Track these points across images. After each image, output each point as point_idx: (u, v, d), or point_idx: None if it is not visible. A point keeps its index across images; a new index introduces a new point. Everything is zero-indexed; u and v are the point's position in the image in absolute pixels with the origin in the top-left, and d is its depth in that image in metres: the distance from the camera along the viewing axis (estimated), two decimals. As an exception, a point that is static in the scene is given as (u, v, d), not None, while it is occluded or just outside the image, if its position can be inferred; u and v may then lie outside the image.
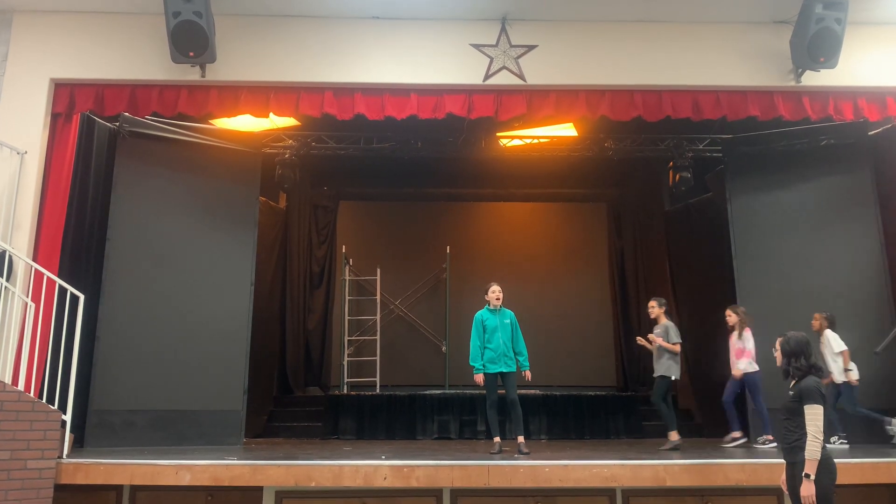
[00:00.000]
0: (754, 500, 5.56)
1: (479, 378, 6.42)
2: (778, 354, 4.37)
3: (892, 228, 7.53)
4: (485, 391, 6.52)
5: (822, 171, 7.83)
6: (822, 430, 4.01)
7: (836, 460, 4.12)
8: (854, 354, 7.02)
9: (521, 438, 6.38)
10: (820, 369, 4.23)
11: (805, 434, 4.02)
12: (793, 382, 4.25)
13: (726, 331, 7.46)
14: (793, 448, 4.12)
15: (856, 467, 5.35)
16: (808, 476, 3.97)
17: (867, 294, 7.39)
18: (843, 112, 7.25)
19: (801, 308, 7.30)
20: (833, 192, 7.75)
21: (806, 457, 3.99)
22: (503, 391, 6.47)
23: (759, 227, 7.74)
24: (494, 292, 6.53)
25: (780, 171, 7.90)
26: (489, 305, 6.56)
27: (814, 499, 3.94)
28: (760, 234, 7.73)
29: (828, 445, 7.09)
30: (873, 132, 7.81)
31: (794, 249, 7.62)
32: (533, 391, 9.18)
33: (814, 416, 4.02)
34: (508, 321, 6.53)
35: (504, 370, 6.39)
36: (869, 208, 7.61)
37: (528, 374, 6.55)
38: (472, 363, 6.46)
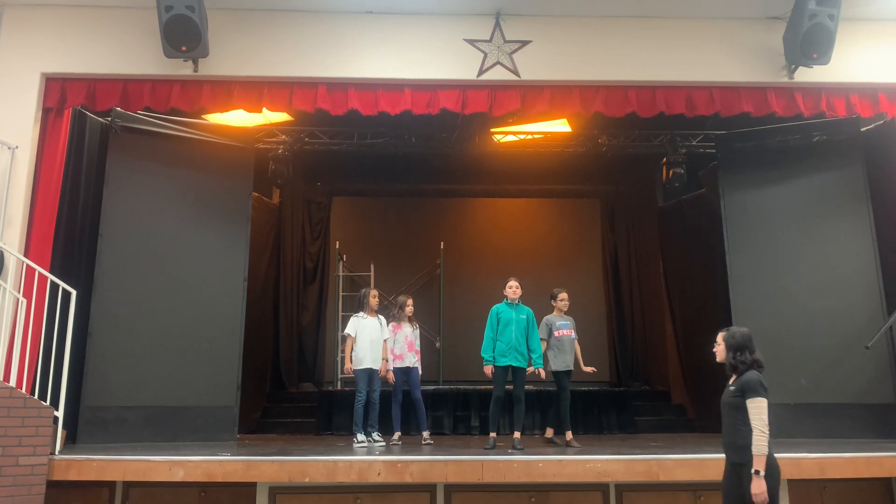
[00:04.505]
0: (747, 495, 5.59)
1: (489, 370, 6.45)
2: (720, 348, 4.19)
3: (883, 224, 7.56)
4: (491, 384, 6.52)
5: (814, 166, 7.85)
6: (767, 423, 3.81)
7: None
8: (846, 348, 7.06)
9: (516, 434, 6.39)
10: (762, 364, 4.03)
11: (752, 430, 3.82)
12: (733, 378, 4.08)
13: (719, 325, 7.48)
14: (740, 447, 3.89)
15: (848, 462, 5.36)
16: (758, 473, 3.75)
17: (859, 289, 7.41)
18: (835, 108, 7.27)
19: (794, 303, 7.36)
20: (825, 187, 7.77)
21: (754, 452, 3.79)
22: (510, 387, 6.49)
23: (752, 223, 7.76)
24: (511, 287, 6.61)
25: (773, 166, 7.92)
26: (507, 299, 6.61)
27: (766, 496, 3.72)
28: (753, 229, 7.74)
29: None
30: (865, 128, 7.85)
31: (787, 245, 7.65)
32: (526, 387, 9.18)
33: (758, 409, 3.84)
34: (524, 317, 6.54)
35: (514, 364, 6.41)
36: (861, 204, 7.63)
37: (542, 371, 6.56)
38: (482, 354, 6.50)
